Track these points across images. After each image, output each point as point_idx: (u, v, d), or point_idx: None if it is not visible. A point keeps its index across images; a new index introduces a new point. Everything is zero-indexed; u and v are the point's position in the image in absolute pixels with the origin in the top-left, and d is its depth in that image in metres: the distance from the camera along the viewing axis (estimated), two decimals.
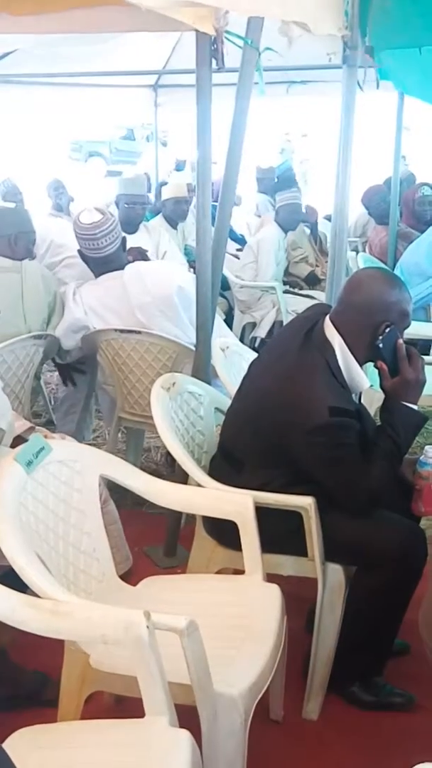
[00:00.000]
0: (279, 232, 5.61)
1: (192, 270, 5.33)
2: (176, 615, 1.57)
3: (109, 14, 2.42)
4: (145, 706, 1.54)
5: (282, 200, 5.63)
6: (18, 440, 2.53)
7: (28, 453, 1.89)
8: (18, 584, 1.68)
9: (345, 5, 2.70)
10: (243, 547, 2.10)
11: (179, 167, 7.95)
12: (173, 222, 5.56)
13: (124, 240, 3.35)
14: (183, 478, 2.71)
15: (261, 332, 5.34)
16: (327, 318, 2.18)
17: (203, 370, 2.75)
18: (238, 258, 5.82)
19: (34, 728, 1.60)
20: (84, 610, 1.61)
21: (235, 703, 1.67)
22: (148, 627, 1.51)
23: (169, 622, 1.56)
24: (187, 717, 1.62)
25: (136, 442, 3.79)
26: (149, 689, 1.53)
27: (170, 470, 3.55)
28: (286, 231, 5.68)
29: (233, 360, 2.96)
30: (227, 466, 2.34)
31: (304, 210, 6.43)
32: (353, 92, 2.91)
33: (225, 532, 2.19)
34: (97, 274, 3.37)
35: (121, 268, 3.29)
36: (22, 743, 1.51)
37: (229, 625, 1.92)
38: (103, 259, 3.32)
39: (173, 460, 3.62)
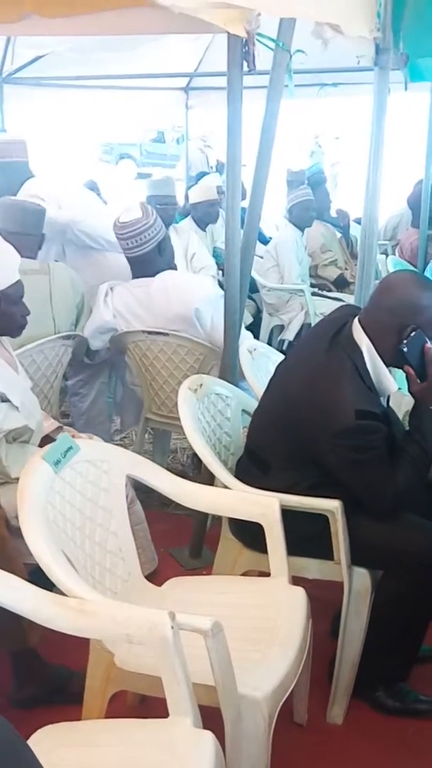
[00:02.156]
0: (294, 231, 5.59)
1: (220, 272, 5.35)
2: (201, 616, 1.57)
3: (140, 16, 2.43)
4: (169, 707, 1.54)
5: (293, 198, 5.61)
6: (46, 440, 2.56)
7: (56, 452, 1.90)
8: (45, 582, 1.69)
9: (378, 7, 2.68)
10: (268, 549, 2.10)
11: (220, 169, 8.01)
12: (202, 224, 5.57)
13: (160, 244, 3.26)
14: (209, 479, 2.71)
15: (289, 335, 5.33)
16: (356, 320, 2.17)
17: (230, 372, 2.74)
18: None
19: (58, 726, 1.61)
20: (109, 609, 1.61)
21: (259, 705, 1.66)
22: (172, 627, 1.51)
23: (193, 623, 1.56)
24: (211, 718, 1.62)
25: (163, 443, 3.80)
26: (173, 690, 1.53)
27: (196, 471, 3.55)
28: (301, 229, 5.66)
29: (260, 362, 2.96)
30: (253, 468, 2.33)
31: (335, 214, 6.40)
32: (384, 95, 2.89)
33: (251, 534, 2.19)
34: (133, 275, 3.37)
35: (153, 274, 3.25)
36: (46, 740, 1.52)
37: (253, 627, 1.92)
38: (135, 260, 3.30)
39: (199, 461, 3.63)
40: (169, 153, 20.18)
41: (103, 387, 3.79)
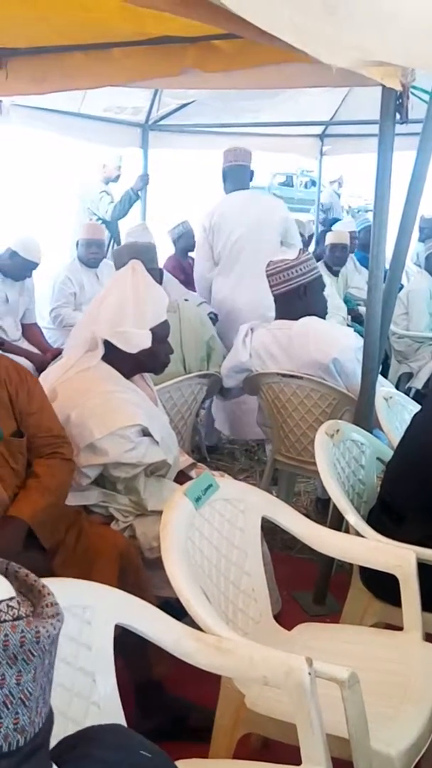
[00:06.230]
0: (429, 279, 5.52)
1: (349, 317, 5.34)
2: (338, 665, 1.56)
3: (296, 70, 2.51)
4: (303, 755, 1.53)
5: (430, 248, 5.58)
6: (181, 475, 2.62)
7: (197, 489, 1.95)
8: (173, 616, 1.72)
9: None
10: (403, 603, 2.05)
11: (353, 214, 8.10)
12: (333, 269, 5.59)
13: (306, 287, 3.28)
14: (337, 525, 2.69)
15: (418, 383, 5.23)
16: None
17: (366, 419, 2.73)
18: None
19: (189, 761, 1.62)
20: (246, 649, 1.62)
21: (392, 763, 1.62)
22: (310, 674, 1.50)
23: (330, 672, 1.55)
24: None
25: (288, 486, 3.80)
26: (308, 737, 1.52)
27: (319, 516, 3.53)
28: None
29: (395, 410, 2.93)
30: (386, 518, 2.30)
31: None
32: None
33: (383, 585, 2.15)
34: (276, 315, 3.42)
35: (295, 317, 3.27)
36: None
37: (385, 681, 1.88)
38: (276, 298, 3.36)
39: (324, 507, 3.61)
40: (297, 197, 20.39)
41: None
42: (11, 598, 0.81)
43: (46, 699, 0.82)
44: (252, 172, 4.61)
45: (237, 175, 4.52)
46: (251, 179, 4.60)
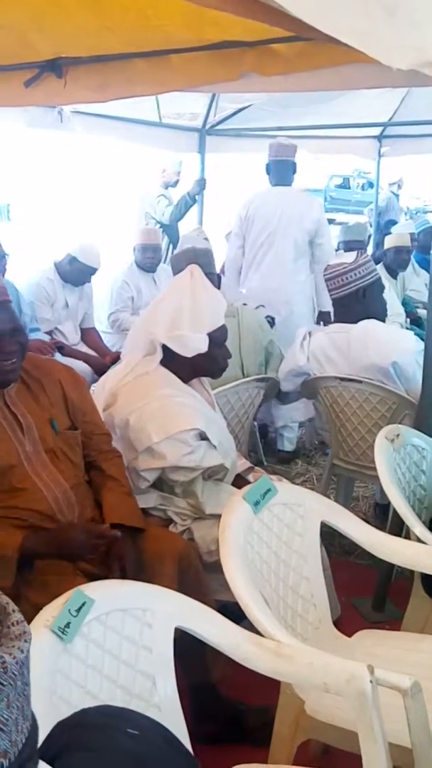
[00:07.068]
0: None
1: (408, 320, 5.27)
2: (400, 673, 1.54)
3: (356, 72, 2.49)
4: (364, 763, 1.50)
5: None
6: (238, 479, 2.62)
7: (256, 493, 1.95)
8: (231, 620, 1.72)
9: None
10: None
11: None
12: (393, 272, 5.52)
13: (365, 290, 3.24)
14: (396, 532, 2.65)
15: None
16: None
17: (427, 423, 2.68)
18: None
19: (248, 767, 1.62)
20: (306, 655, 1.61)
21: None
22: (371, 682, 1.49)
23: (392, 680, 1.53)
24: None
25: (347, 490, 3.76)
26: (369, 746, 1.50)
27: (379, 522, 3.48)
28: None
29: None
30: None
31: None
32: None
33: None
34: (335, 318, 3.40)
35: (354, 320, 3.23)
36: None
37: None
38: (335, 302, 3.34)
39: (383, 513, 3.57)
40: (354, 199, 20.25)
41: None
42: None
43: (26, 713, 0.79)
44: (294, 165, 4.78)
45: (279, 170, 4.71)
46: (294, 172, 4.78)
